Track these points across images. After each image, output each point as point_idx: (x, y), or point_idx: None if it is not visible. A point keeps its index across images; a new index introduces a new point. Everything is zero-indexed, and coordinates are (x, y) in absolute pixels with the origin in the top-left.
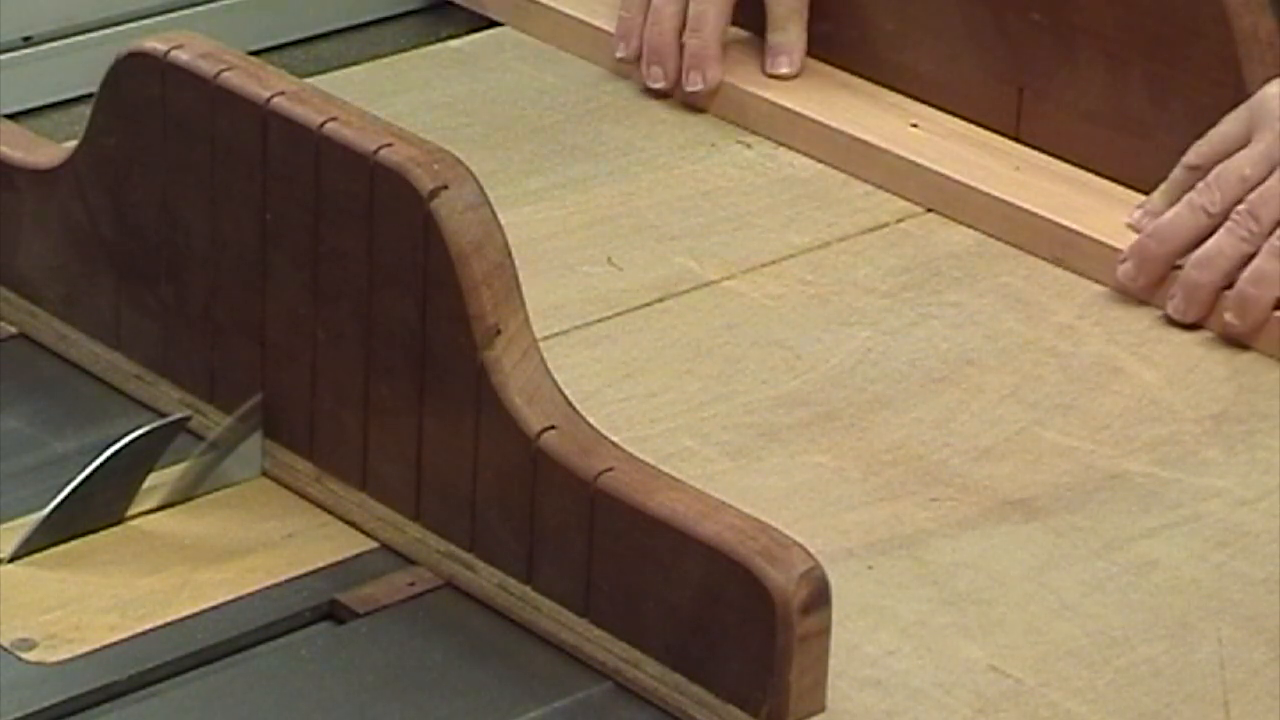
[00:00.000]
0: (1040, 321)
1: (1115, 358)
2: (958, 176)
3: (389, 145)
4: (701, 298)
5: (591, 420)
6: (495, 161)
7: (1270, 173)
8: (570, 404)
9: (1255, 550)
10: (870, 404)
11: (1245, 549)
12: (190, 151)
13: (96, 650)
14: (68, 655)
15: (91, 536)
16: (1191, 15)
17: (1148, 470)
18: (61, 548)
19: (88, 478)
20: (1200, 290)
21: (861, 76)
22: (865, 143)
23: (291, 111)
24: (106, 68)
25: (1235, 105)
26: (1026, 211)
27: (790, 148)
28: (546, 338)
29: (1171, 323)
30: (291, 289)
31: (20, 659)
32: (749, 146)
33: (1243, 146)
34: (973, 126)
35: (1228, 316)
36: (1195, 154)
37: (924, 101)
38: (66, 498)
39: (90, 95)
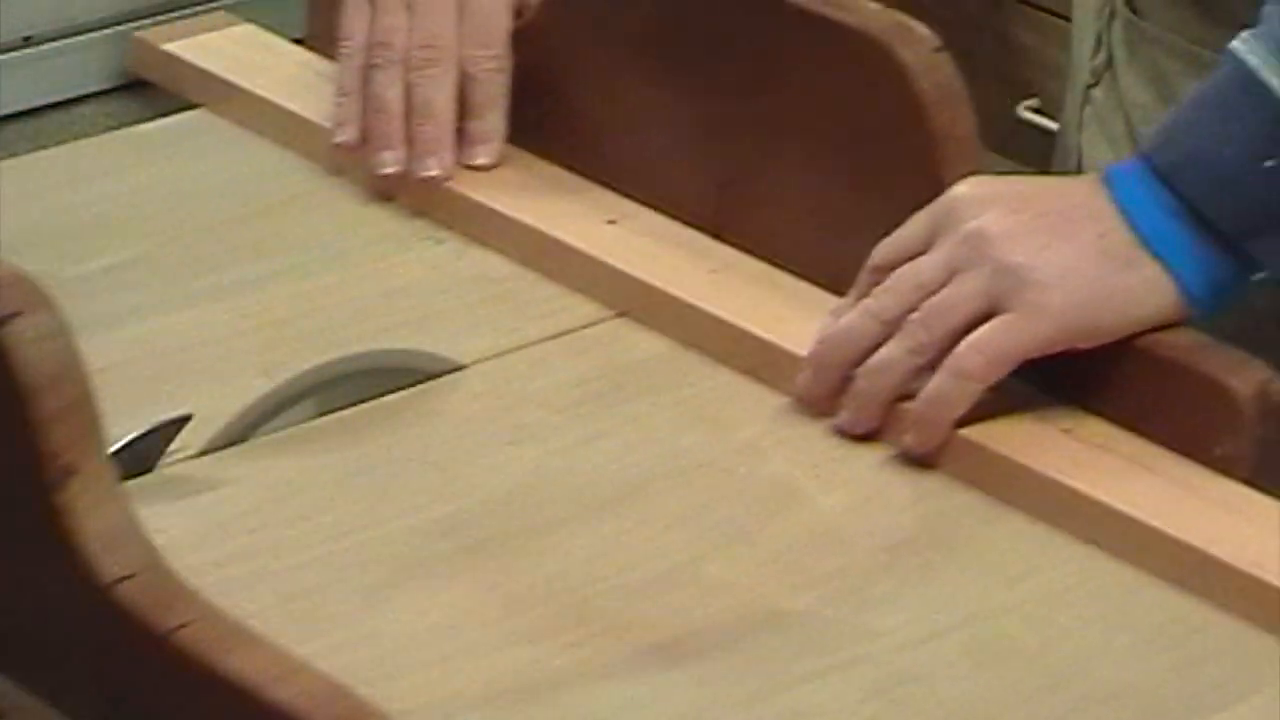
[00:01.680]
0: (722, 439)
1: (795, 480)
2: (651, 280)
3: None
4: (363, 413)
5: (217, 554)
6: (171, 257)
7: (948, 280)
8: (155, 551)
9: (913, 699)
10: (526, 533)
11: (902, 697)
12: None
13: None
14: None
15: None
16: (888, 111)
17: (812, 608)
18: None
19: None
20: (870, 402)
21: (566, 167)
22: (558, 241)
23: None
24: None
25: None
26: (718, 319)
27: (484, 244)
28: (185, 459)
29: (859, 441)
30: None
31: None
32: (440, 243)
33: (927, 248)
34: (674, 223)
35: (907, 438)
36: (879, 254)
37: (627, 195)
38: None
39: (90, 95)
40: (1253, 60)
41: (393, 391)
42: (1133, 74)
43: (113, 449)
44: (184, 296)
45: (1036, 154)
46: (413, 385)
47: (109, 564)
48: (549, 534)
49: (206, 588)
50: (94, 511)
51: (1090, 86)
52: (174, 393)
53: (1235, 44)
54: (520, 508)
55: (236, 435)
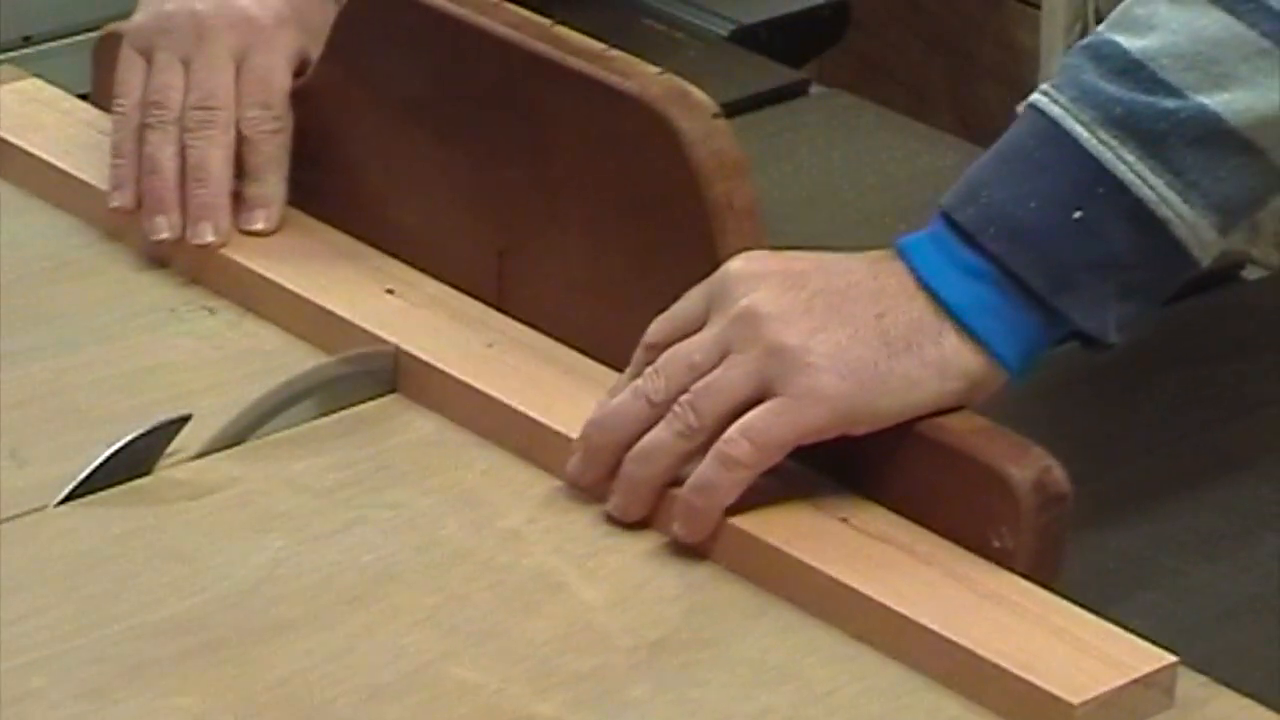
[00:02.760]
0: (485, 527)
1: (558, 572)
2: (424, 355)
3: None
4: (105, 500)
5: None
6: None
7: (720, 360)
8: None
9: None
10: (264, 630)
11: None
12: None
13: None
14: None
15: None
16: (664, 181)
17: (560, 713)
18: None
19: (88, 477)
20: (639, 488)
21: (348, 232)
22: (331, 313)
23: None
24: None
25: None
26: (490, 398)
27: (258, 314)
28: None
29: (629, 528)
30: None
31: None
32: (213, 313)
33: (702, 326)
34: (454, 292)
35: (675, 527)
36: (654, 332)
37: (409, 262)
38: (67, 497)
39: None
40: (1055, 111)
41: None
42: None
43: (110, 450)
44: None
45: None
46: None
47: None
48: (289, 631)
49: None
50: None
51: None
52: None
53: (1035, 97)
54: (261, 602)
55: (235, 438)
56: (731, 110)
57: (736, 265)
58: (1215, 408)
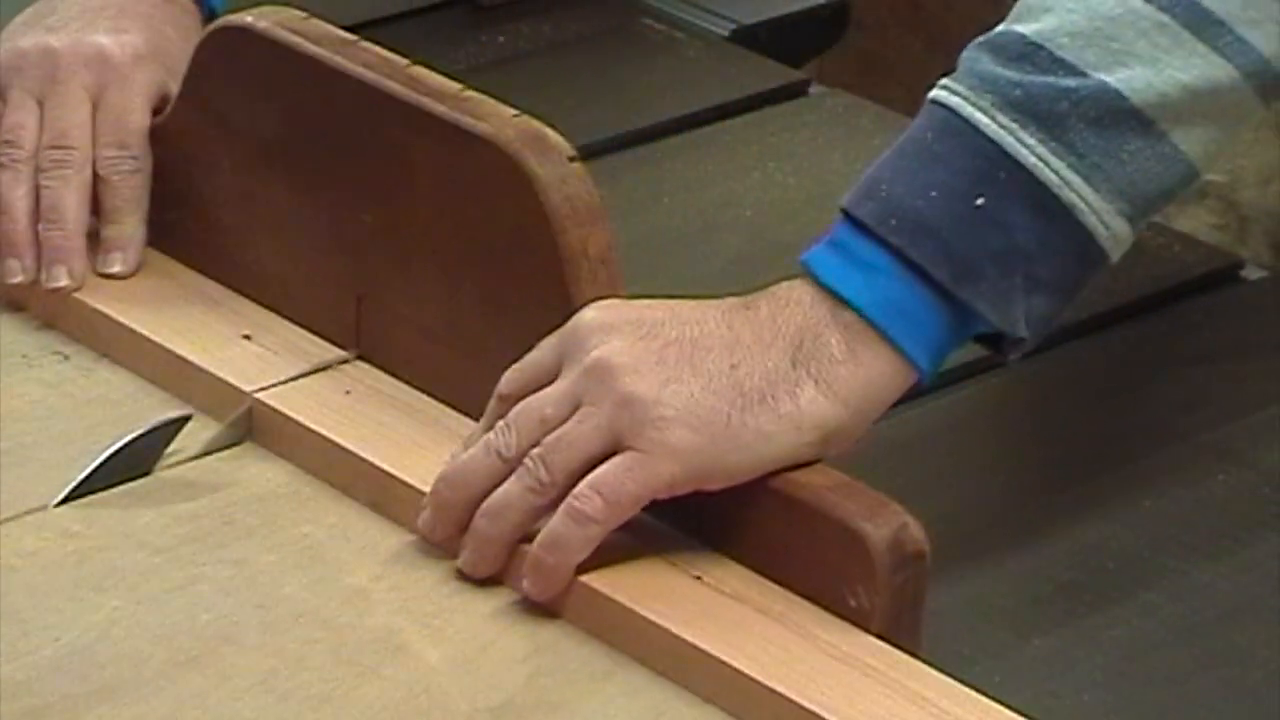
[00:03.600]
0: (329, 585)
1: (401, 632)
2: (277, 404)
3: None
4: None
5: None
6: None
7: (572, 413)
8: None
9: None
10: (90, 696)
11: None
12: None
13: None
14: None
15: None
16: (518, 227)
17: None
18: None
19: (88, 476)
20: (490, 544)
21: (208, 274)
22: (184, 359)
23: None
24: None
25: None
26: (342, 449)
27: (113, 360)
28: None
29: (480, 585)
30: None
31: None
32: (66, 358)
33: (555, 377)
34: (312, 338)
35: (525, 584)
36: (506, 383)
37: (268, 306)
38: (67, 497)
39: None
40: (953, 100)
41: None
42: None
43: (110, 450)
44: None
45: None
46: None
47: None
48: (117, 695)
49: None
50: None
51: None
52: None
53: (934, 93)
54: (91, 665)
55: (236, 438)
56: (731, 110)
57: (589, 315)
58: (1215, 408)
